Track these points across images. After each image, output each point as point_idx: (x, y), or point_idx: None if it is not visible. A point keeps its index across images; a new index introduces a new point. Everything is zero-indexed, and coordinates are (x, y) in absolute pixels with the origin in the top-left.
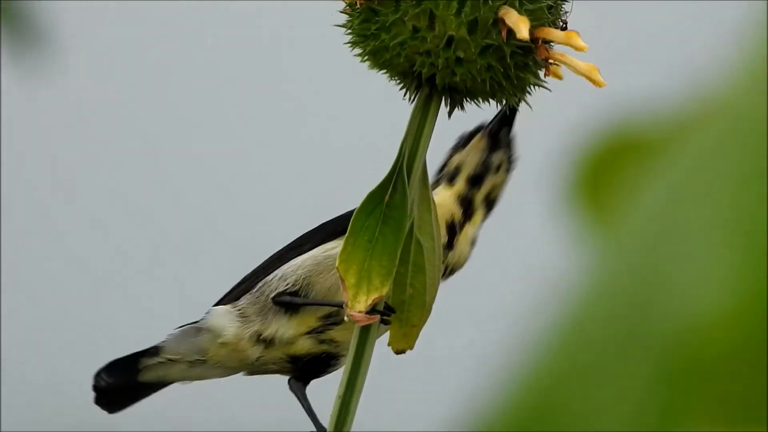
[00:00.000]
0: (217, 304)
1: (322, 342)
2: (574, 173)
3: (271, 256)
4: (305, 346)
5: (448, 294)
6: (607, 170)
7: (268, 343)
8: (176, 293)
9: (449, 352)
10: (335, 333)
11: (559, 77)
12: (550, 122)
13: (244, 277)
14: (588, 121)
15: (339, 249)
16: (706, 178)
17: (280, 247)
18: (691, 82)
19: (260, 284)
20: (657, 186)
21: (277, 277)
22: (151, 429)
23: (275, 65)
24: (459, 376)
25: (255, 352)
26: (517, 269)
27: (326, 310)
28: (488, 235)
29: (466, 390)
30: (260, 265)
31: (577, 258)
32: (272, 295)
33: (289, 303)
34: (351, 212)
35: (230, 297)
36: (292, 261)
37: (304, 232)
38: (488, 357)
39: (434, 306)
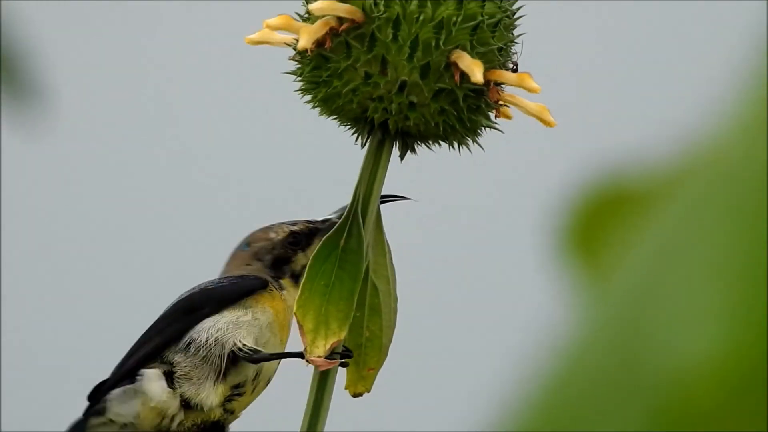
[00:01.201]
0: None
1: (225, 411)
2: (566, 224)
3: (148, 330)
4: (216, 413)
5: (440, 340)
6: (599, 221)
7: (191, 408)
8: None
9: (438, 400)
10: (237, 402)
11: (509, 117)
12: (543, 173)
13: (133, 348)
14: (580, 172)
15: (247, 317)
16: (695, 229)
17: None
18: (681, 134)
19: (191, 344)
20: (647, 237)
21: (220, 336)
22: None
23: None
24: (449, 426)
25: (178, 417)
26: (509, 318)
27: (239, 378)
28: (482, 283)
29: None
30: (141, 339)
31: (569, 308)
32: (231, 349)
33: (255, 358)
34: (195, 293)
35: (136, 362)
36: (213, 324)
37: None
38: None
39: (426, 353)
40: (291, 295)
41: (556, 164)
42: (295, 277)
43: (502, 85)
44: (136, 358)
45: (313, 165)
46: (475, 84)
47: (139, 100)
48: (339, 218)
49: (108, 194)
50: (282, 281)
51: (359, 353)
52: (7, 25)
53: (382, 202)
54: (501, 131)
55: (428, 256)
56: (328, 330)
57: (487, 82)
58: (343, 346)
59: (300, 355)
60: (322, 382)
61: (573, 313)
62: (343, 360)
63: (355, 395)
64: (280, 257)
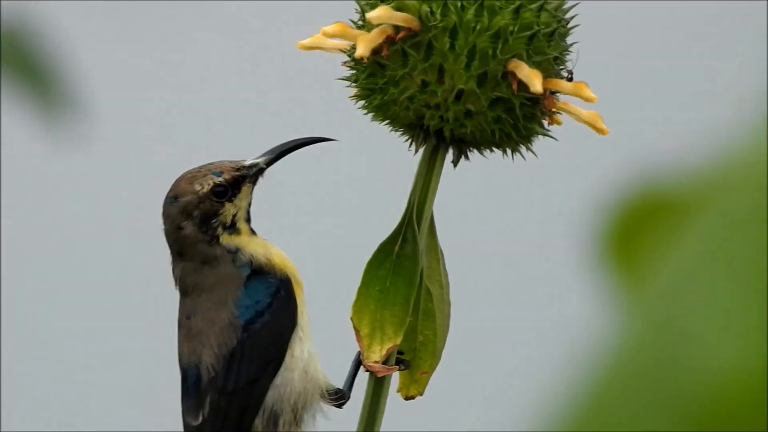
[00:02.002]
0: None
1: None
2: (605, 231)
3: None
4: None
5: (476, 347)
6: (637, 228)
7: None
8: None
9: (475, 405)
10: None
11: (559, 123)
12: (582, 180)
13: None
14: (618, 179)
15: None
16: (733, 236)
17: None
18: (719, 141)
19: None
20: (685, 244)
21: (300, 400)
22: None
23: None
24: (495, 428)
25: None
26: (549, 323)
27: None
28: (519, 289)
29: None
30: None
31: (608, 314)
32: (318, 405)
33: (345, 395)
34: None
35: None
36: (279, 390)
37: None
38: (522, 409)
39: (462, 359)
40: (251, 245)
41: (595, 171)
42: (229, 228)
43: (557, 94)
44: None
45: (359, 169)
46: (533, 93)
47: (176, 106)
48: (267, 163)
49: (145, 201)
50: (230, 237)
51: (413, 357)
52: (43, 34)
53: (307, 143)
54: (555, 139)
55: (468, 261)
56: (383, 335)
57: (543, 91)
58: (398, 350)
59: (360, 363)
60: (378, 387)
61: (612, 319)
62: (402, 366)
63: (407, 398)
64: (207, 212)
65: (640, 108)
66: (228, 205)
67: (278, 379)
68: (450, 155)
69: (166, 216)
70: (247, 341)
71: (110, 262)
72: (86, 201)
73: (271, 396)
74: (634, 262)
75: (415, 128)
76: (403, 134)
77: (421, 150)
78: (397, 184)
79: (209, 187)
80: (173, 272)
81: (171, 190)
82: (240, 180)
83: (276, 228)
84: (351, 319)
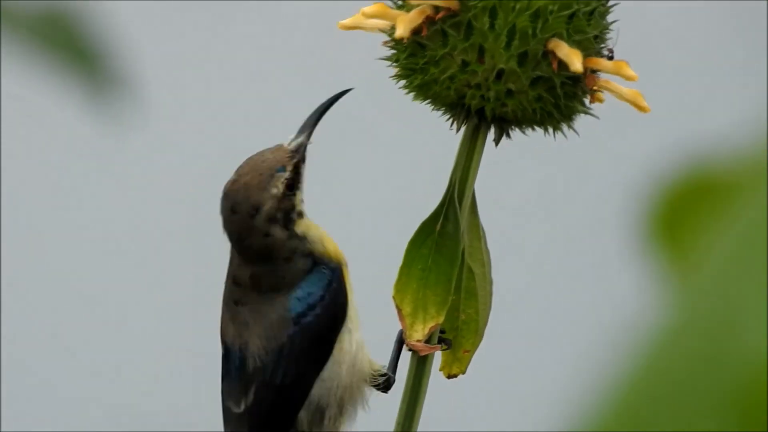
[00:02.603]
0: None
1: None
2: (652, 212)
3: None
4: None
5: (525, 327)
6: (685, 210)
7: None
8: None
9: (523, 385)
10: None
11: (601, 101)
12: (627, 160)
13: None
14: (666, 160)
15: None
16: None
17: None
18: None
19: (324, 414)
20: (734, 226)
21: (347, 394)
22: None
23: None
24: (533, 410)
25: None
26: (595, 306)
27: None
28: (562, 269)
29: (540, 423)
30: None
31: (654, 297)
32: (365, 397)
33: (390, 378)
34: None
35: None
36: (324, 384)
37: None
38: (562, 391)
39: (510, 338)
40: (311, 230)
41: (642, 152)
42: (299, 214)
43: (598, 72)
44: None
45: (401, 149)
46: (573, 72)
47: (227, 91)
48: (308, 137)
49: (196, 187)
50: (299, 223)
51: (455, 336)
52: (94, 17)
53: (332, 103)
54: (596, 117)
55: (512, 242)
56: (426, 314)
57: (583, 70)
58: (440, 329)
59: (402, 342)
60: (420, 366)
61: (659, 302)
62: (445, 345)
63: (449, 377)
64: (287, 209)
65: (686, 88)
66: (298, 194)
67: (325, 373)
68: (491, 134)
69: (250, 229)
70: (298, 335)
71: (160, 245)
72: (137, 183)
73: (317, 390)
74: (681, 244)
75: (456, 107)
76: (444, 113)
77: (463, 129)
78: (439, 163)
79: (283, 185)
80: (239, 273)
81: (241, 204)
82: (298, 166)
83: (318, 208)
84: (393, 298)
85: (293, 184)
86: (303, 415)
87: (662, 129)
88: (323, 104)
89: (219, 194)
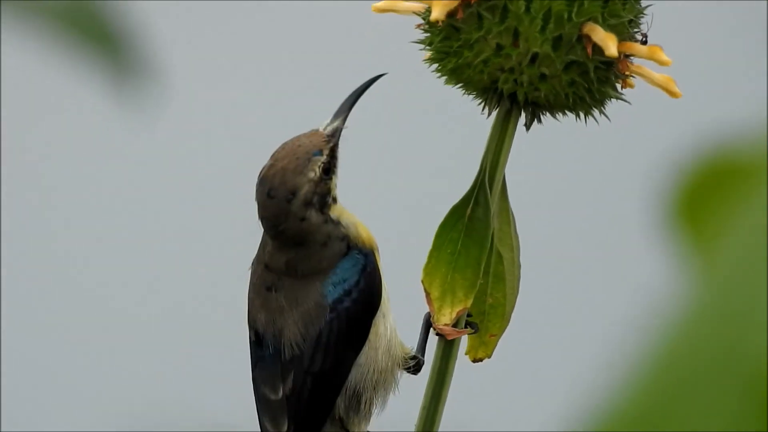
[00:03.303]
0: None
1: None
2: (675, 196)
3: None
4: None
5: (549, 310)
6: (708, 194)
7: None
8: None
9: (547, 369)
10: None
11: (632, 86)
12: (652, 145)
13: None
14: (689, 144)
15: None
16: None
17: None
18: None
19: (360, 399)
20: (756, 210)
21: (382, 379)
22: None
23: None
24: (557, 394)
25: None
26: (617, 288)
27: None
28: (589, 252)
29: (565, 409)
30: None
31: (676, 280)
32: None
33: (419, 360)
34: None
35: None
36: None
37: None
38: (587, 375)
39: (530, 323)
40: (344, 214)
41: (667, 136)
42: (334, 200)
43: (631, 57)
44: (312, 420)
45: (432, 133)
46: (608, 57)
47: (254, 77)
48: (344, 122)
49: (221, 170)
50: (333, 208)
51: (482, 320)
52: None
53: (366, 88)
54: (628, 102)
55: (535, 226)
56: (454, 298)
57: (617, 54)
58: (467, 313)
59: (429, 326)
60: (447, 350)
61: (682, 288)
62: (471, 330)
63: (475, 361)
64: (323, 193)
65: (711, 72)
66: (333, 178)
67: (362, 358)
68: (522, 118)
69: (286, 214)
70: (335, 321)
71: (184, 232)
72: (161, 170)
73: (354, 375)
74: (704, 229)
75: (488, 91)
76: (476, 97)
77: (494, 113)
78: (470, 147)
79: (320, 169)
80: (274, 259)
81: (278, 188)
82: (334, 150)
83: (349, 193)
84: (422, 281)
85: (329, 168)
86: (340, 401)
87: (686, 115)
88: (357, 89)
89: (242, 183)
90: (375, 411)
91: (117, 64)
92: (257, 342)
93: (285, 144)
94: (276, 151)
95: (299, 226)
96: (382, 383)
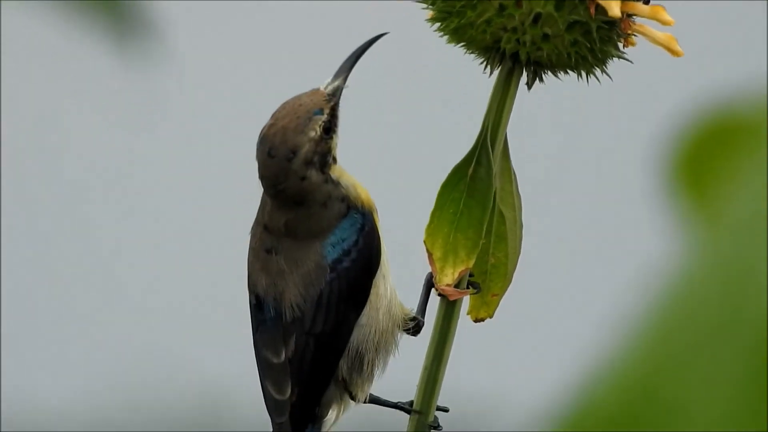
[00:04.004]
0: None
1: None
2: (676, 157)
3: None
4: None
5: (551, 273)
6: (709, 153)
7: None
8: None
9: (547, 330)
10: None
11: (633, 45)
12: (655, 105)
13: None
14: (690, 104)
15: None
16: None
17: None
18: None
19: (363, 360)
20: (758, 171)
21: (383, 339)
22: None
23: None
24: (558, 354)
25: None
26: (619, 249)
27: None
28: (591, 216)
29: (566, 371)
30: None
31: (678, 241)
32: (397, 343)
33: (420, 322)
34: None
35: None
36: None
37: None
38: (587, 337)
39: (531, 283)
40: (344, 175)
41: (667, 96)
42: (334, 159)
43: (633, 16)
44: (316, 383)
45: (433, 93)
46: (611, 17)
47: (257, 38)
48: (345, 81)
49: (222, 131)
50: (334, 168)
51: (483, 279)
52: None
53: (367, 47)
54: (630, 62)
55: (536, 187)
56: (456, 258)
57: (620, 15)
58: (470, 272)
59: (432, 286)
60: (449, 310)
61: (682, 246)
62: (473, 290)
63: (477, 320)
64: (323, 152)
65: (713, 32)
66: (334, 137)
67: (363, 319)
68: (524, 78)
69: (287, 173)
70: (335, 282)
71: (184, 192)
72: (161, 130)
73: (356, 336)
74: (706, 188)
75: (490, 51)
76: (477, 57)
77: (496, 73)
78: (471, 106)
79: (321, 128)
80: (273, 219)
81: (279, 147)
82: (334, 109)
83: (350, 152)
84: (424, 242)
85: (330, 127)
86: (342, 362)
87: (688, 75)
88: (358, 48)
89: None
90: (377, 373)
91: (118, 22)
92: (258, 305)
93: (286, 103)
94: (277, 110)
95: (300, 185)
96: (384, 344)
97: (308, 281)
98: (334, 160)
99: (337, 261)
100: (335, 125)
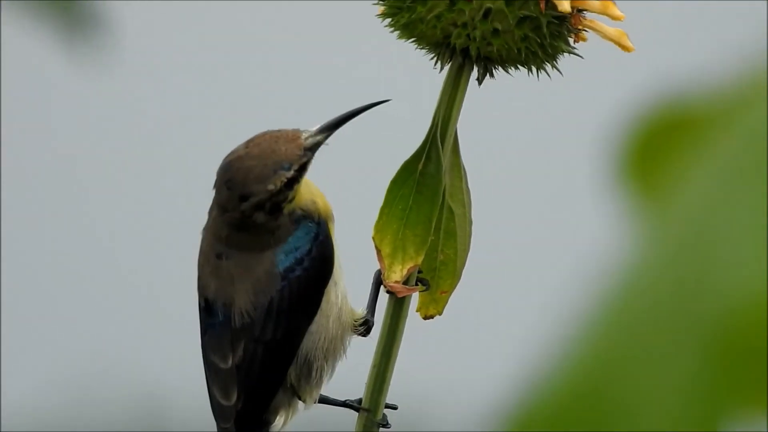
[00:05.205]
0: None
1: None
2: (624, 150)
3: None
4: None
5: (499, 268)
6: (657, 147)
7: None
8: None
9: (496, 327)
10: None
11: (584, 40)
12: (600, 100)
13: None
14: (638, 97)
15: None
16: (757, 156)
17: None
18: (740, 57)
19: (311, 368)
20: (706, 164)
21: (332, 347)
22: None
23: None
24: (504, 349)
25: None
26: (568, 243)
27: None
28: (540, 212)
29: (512, 367)
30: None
31: (626, 235)
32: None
33: (369, 323)
34: None
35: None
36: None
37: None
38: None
39: (480, 279)
40: (302, 199)
41: (614, 89)
42: (290, 201)
43: (584, 12)
44: (263, 390)
45: (383, 87)
46: (561, 12)
47: (208, 34)
48: (326, 138)
49: (173, 128)
50: (283, 212)
51: (432, 276)
52: None
53: (362, 111)
54: (581, 57)
55: (484, 181)
56: (405, 255)
57: (570, 10)
58: (419, 269)
59: (380, 284)
60: (398, 307)
61: (631, 240)
62: (422, 287)
63: (426, 318)
64: (278, 202)
65: (660, 25)
66: (296, 187)
67: (313, 326)
68: (474, 73)
69: (235, 207)
70: (286, 290)
71: (134, 183)
72: (112, 123)
73: (305, 344)
74: (654, 180)
75: (441, 46)
76: (428, 52)
77: (446, 68)
78: (421, 102)
79: (282, 183)
80: (216, 228)
81: (236, 185)
82: (305, 166)
83: None
84: (373, 238)
85: (294, 181)
86: (292, 370)
87: (635, 66)
88: (353, 111)
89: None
90: (326, 379)
91: (67, 15)
92: (207, 309)
93: (265, 136)
94: (253, 141)
95: (244, 220)
96: (332, 351)
97: (259, 288)
98: (291, 200)
99: (289, 269)
100: (300, 178)
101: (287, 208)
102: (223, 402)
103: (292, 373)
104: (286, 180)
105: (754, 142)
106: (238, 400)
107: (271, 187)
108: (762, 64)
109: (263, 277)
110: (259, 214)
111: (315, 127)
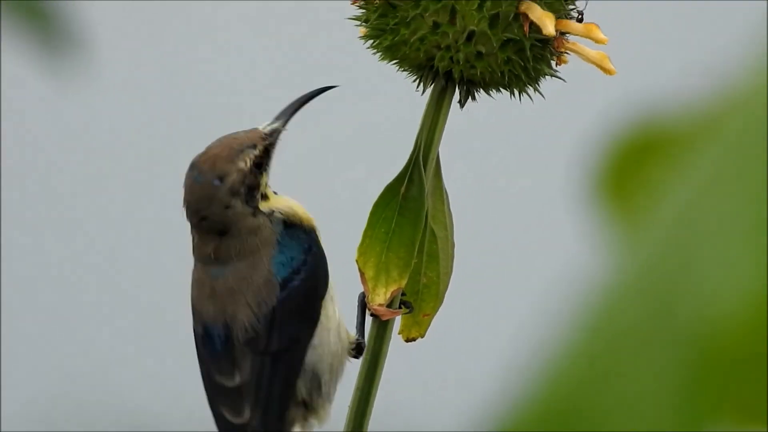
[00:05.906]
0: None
1: None
2: (600, 169)
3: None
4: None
5: (475, 285)
6: (633, 166)
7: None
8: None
9: (473, 345)
10: None
11: (565, 63)
12: (576, 119)
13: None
14: (613, 117)
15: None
16: (731, 173)
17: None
18: (716, 76)
19: (320, 382)
20: (682, 181)
21: (336, 362)
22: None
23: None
24: (484, 371)
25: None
26: (543, 262)
27: None
28: (515, 231)
29: (492, 385)
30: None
31: (604, 253)
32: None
33: (362, 345)
34: None
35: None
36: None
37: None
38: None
39: (461, 297)
40: (279, 203)
41: (590, 108)
42: (264, 195)
43: (567, 35)
44: (276, 402)
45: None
46: (545, 35)
47: (181, 50)
48: (284, 125)
49: (146, 147)
50: (265, 202)
51: (415, 299)
52: None
53: (314, 96)
54: (563, 80)
55: (461, 201)
56: (388, 277)
57: (555, 33)
58: (402, 292)
59: (364, 306)
60: (381, 330)
61: (607, 258)
62: (405, 311)
63: (408, 340)
64: (251, 185)
65: (637, 43)
66: (264, 175)
67: (315, 340)
68: (457, 95)
69: (211, 198)
70: (287, 300)
71: (111, 204)
72: (89, 141)
73: (310, 357)
74: (630, 198)
75: (424, 69)
76: (410, 75)
77: (428, 91)
78: (403, 125)
79: (251, 161)
80: (201, 249)
81: (207, 173)
82: (269, 148)
83: (281, 170)
84: (356, 261)
85: (261, 163)
86: (301, 383)
87: (611, 84)
88: (304, 96)
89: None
90: (333, 395)
91: (44, 32)
92: (205, 335)
93: (222, 137)
94: (212, 143)
95: (224, 213)
96: (336, 366)
97: (261, 299)
98: (264, 197)
99: (288, 279)
100: (267, 164)
101: (264, 206)
102: (235, 420)
103: (302, 388)
104: (254, 158)
105: (729, 160)
106: (252, 416)
107: (241, 164)
108: (734, 84)
109: (263, 286)
110: (236, 201)
111: (269, 120)
